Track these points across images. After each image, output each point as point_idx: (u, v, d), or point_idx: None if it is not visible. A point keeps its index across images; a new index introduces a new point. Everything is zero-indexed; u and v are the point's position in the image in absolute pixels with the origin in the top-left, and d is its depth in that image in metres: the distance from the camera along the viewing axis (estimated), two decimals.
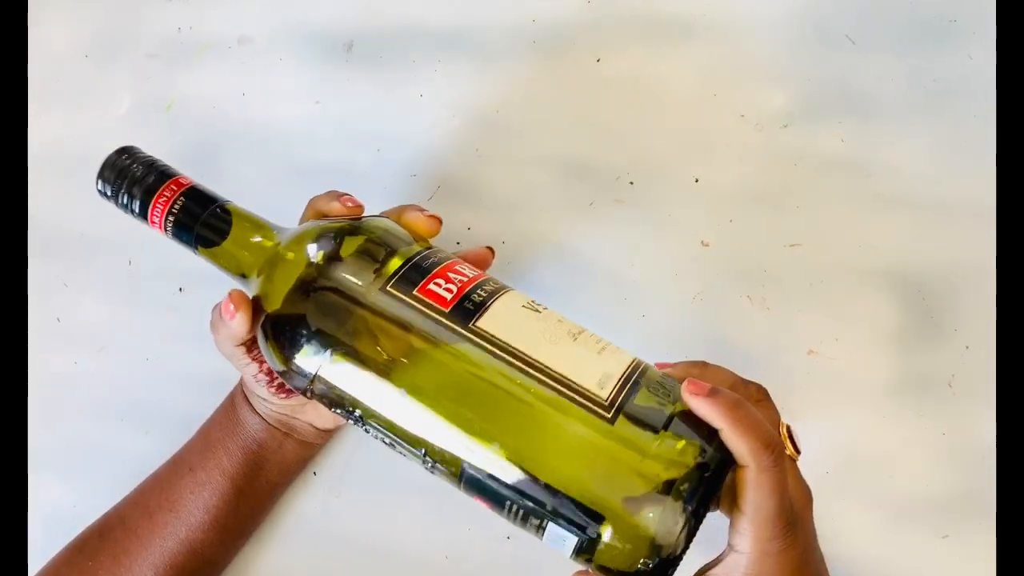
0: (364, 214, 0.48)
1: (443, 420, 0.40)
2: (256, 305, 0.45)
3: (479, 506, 0.41)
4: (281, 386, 0.49)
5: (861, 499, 0.55)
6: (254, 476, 0.53)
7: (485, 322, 0.41)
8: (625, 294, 0.57)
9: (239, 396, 0.53)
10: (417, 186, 0.60)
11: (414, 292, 0.41)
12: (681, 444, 0.38)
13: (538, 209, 0.59)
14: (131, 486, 0.57)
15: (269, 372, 0.48)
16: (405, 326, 0.41)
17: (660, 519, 0.37)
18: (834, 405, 0.55)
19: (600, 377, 0.40)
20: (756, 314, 0.56)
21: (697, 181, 0.57)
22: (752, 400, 0.43)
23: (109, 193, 0.47)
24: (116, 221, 0.62)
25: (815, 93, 0.57)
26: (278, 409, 0.52)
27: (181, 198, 0.46)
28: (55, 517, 0.62)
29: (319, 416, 0.53)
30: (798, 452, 0.43)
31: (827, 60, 0.57)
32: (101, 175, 0.46)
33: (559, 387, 0.39)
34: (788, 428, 0.43)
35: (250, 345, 0.47)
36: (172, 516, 0.52)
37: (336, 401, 0.42)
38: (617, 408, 0.39)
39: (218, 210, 0.46)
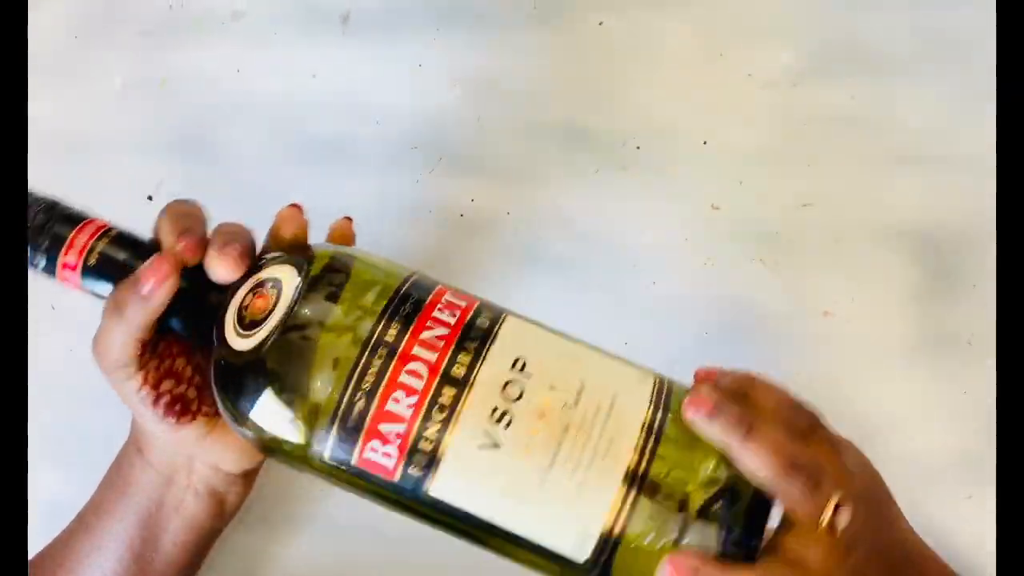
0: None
1: None
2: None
3: None
4: (170, 406, 0.41)
5: (882, 462, 0.53)
6: (154, 540, 0.45)
7: (437, 488, 0.34)
8: (634, 261, 0.56)
9: (129, 448, 0.46)
10: (418, 158, 0.59)
11: (352, 464, 0.34)
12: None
13: (543, 177, 0.58)
14: None
15: (155, 386, 0.41)
16: (356, 487, 0.36)
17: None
18: (852, 367, 0.54)
19: (577, 535, 0.34)
20: (769, 277, 0.55)
21: (705, 143, 0.56)
22: (796, 430, 0.36)
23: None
24: (111, 205, 0.61)
25: (823, 50, 0.56)
26: (174, 453, 0.43)
27: (101, 242, 0.38)
28: (54, 505, 0.60)
29: (226, 456, 0.43)
30: (832, 530, 0.35)
31: (835, 16, 0.56)
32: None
33: (533, 557, 0.35)
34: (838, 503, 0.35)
35: (141, 354, 0.40)
36: None
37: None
38: (603, 568, 0.34)
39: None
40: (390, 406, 0.34)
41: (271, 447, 0.36)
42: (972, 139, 0.54)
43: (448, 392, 0.34)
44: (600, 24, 0.58)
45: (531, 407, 0.34)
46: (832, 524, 0.34)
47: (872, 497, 0.39)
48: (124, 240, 0.39)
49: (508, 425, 0.33)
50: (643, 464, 0.33)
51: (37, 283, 0.62)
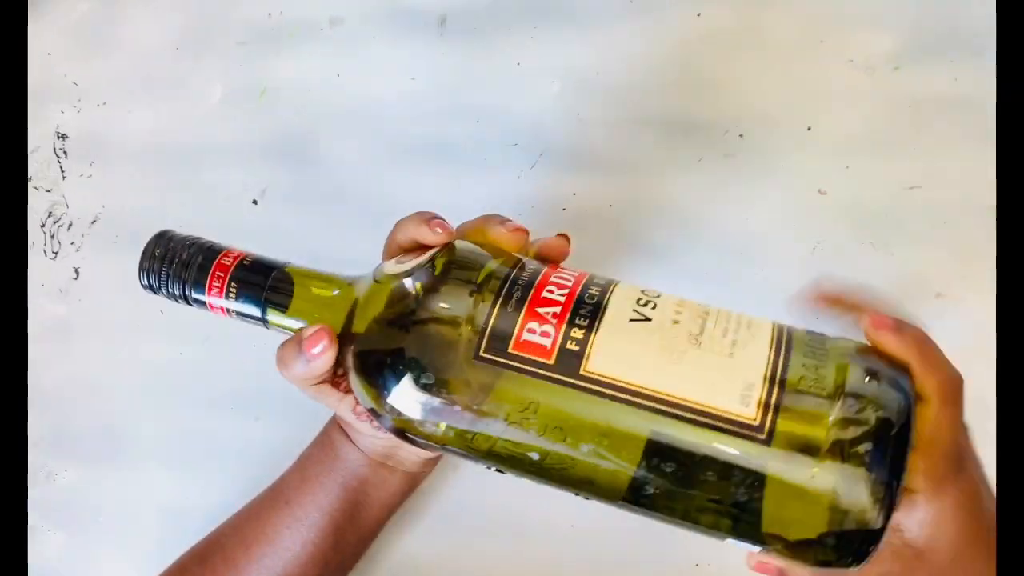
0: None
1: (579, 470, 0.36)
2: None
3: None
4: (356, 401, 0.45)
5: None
6: (355, 513, 0.50)
7: (595, 363, 0.35)
8: (741, 250, 0.56)
9: (335, 430, 0.50)
10: (519, 155, 0.60)
11: (509, 351, 0.36)
12: (860, 405, 0.34)
13: (644, 170, 0.58)
14: (243, 474, 0.57)
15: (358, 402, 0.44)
16: (511, 394, 0.36)
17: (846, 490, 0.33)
18: (968, 347, 0.53)
19: (741, 391, 0.34)
20: (880, 260, 0.55)
21: (809, 129, 0.56)
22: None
23: (156, 285, 0.43)
24: (218, 212, 0.63)
25: (924, 33, 0.56)
26: (383, 442, 0.48)
27: (239, 270, 0.42)
28: (169, 509, 0.62)
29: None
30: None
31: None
32: (141, 267, 0.42)
33: (699, 419, 0.34)
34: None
35: (335, 379, 0.44)
36: (269, 549, 0.49)
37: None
38: (770, 427, 0.33)
39: (281, 275, 0.42)
40: (548, 287, 0.37)
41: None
42: None
43: (588, 303, 0.36)
44: (698, 15, 0.58)
45: (669, 303, 0.36)
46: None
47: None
48: (259, 265, 0.42)
49: (654, 307, 0.36)
50: (783, 342, 0.35)
51: (144, 291, 0.64)
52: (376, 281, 0.40)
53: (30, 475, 0.64)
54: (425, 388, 0.36)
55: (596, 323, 0.36)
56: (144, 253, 0.42)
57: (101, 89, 0.67)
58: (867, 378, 0.34)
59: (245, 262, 0.42)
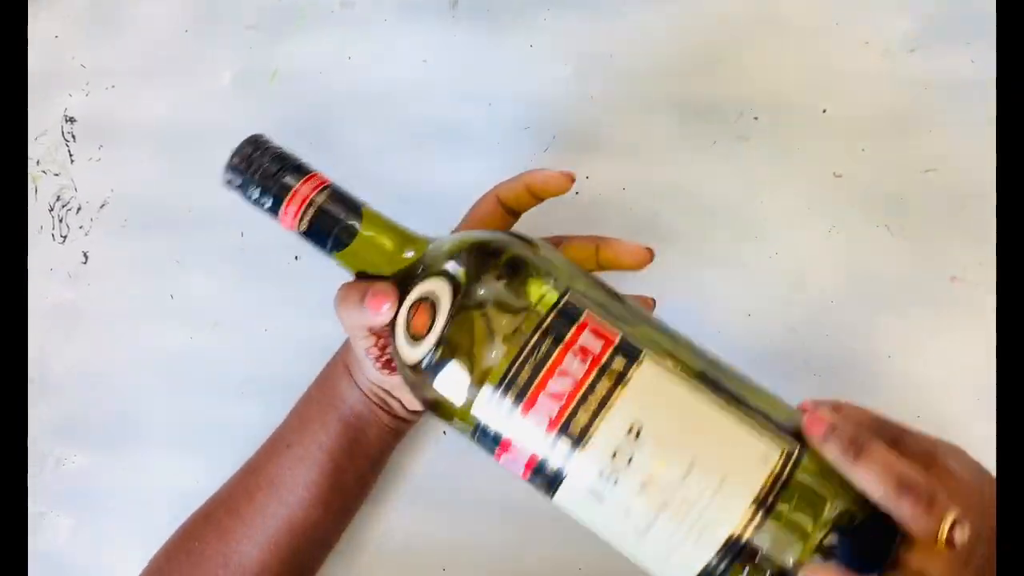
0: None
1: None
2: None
3: None
4: (387, 363, 0.48)
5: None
6: (353, 449, 0.52)
7: (559, 498, 0.38)
8: (756, 232, 0.56)
9: (339, 368, 0.52)
10: (531, 138, 0.59)
11: (519, 406, 0.37)
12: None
13: (659, 153, 0.58)
14: None
15: (381, 349, 0.47)
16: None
17: None
18: (981, 331, 0.54)
19: None
20: (895, 243, 0.55)
21: (825, 112, 0.56)
22: (907, 453, 0.37)
23: (239, 184, 0.43)
24: (226, 194, 0.62)
25: (940, 15, 0.56)
26: (378, 382, 0.50)
27: (320, 197, 0.42)
28: (178, 494, 0.61)
29: (412, 398, 0.51)
30: (951, 545, 0.35)
31: None
32: (231, 166, 0.42)
33: None
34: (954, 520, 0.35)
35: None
36: (273, 495, 0.51)
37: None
38: None
39: (357, 212, 0.43)
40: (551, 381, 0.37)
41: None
42: None
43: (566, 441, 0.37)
44: None
45: (637, 477, 0.36)
46: (951, 539, 0.34)
47: (986, 499, 0.39)
48: (339, 196, 0.43)
49: (615, 483, 0.36)
50: (745, 533, 0.35)
51: (153, 275, 0.63)
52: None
53: (39, 462, 0.64)
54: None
55: (575, 448, 0.37)
56: (237, 151, 0.42)
57: (110, 72, 0.67)
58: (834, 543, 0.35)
59: (326, 191, 0.42)
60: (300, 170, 0.42)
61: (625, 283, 0.44)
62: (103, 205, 0.65)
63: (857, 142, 0.55)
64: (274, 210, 0.42)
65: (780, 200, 0.56)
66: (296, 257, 0.61)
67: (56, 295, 0.65)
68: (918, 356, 0.53)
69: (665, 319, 0.41)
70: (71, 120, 0.67)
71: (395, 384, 0.50)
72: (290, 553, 0.51)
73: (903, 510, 0.34)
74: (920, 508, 0.34)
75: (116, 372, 0.64)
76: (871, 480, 0.35)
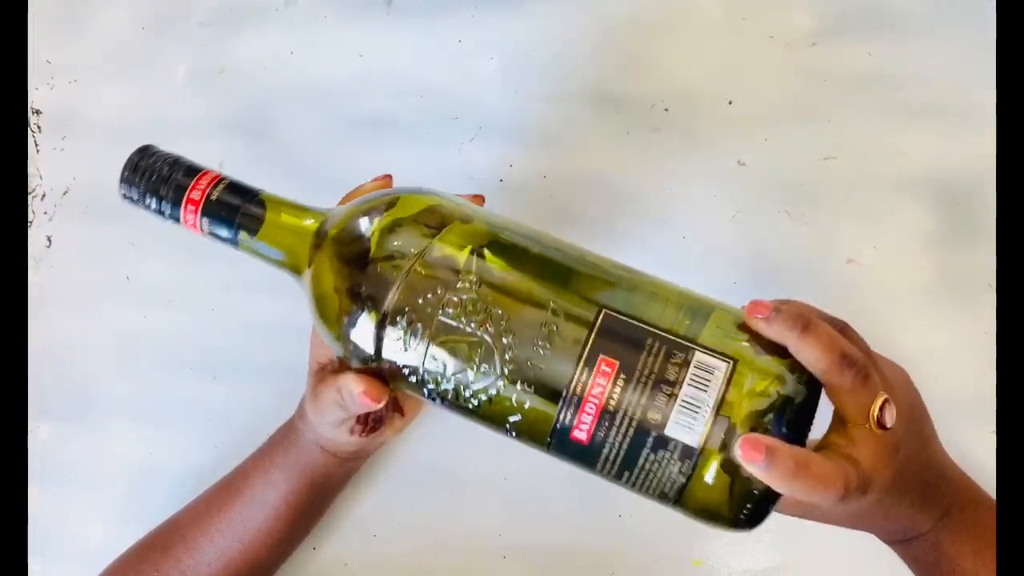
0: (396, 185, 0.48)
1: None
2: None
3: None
4: (364, 425, 0.49)
5: None
6: (312, 498, 0.54)
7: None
8: (666, 218, 0.59)
9: (297, 423, 0.53)
10: (459, 129, 0.63)
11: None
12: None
13: (577, 142, 0.61)
14: (207, 433, 0.61)
15: (362, 422, 0.49)
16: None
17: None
18: (876, 311, 0.56)
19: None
20: (795, 228, 0.58)
21: (731, 103, 0.59)
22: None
23: (136, 196, 0.43)
24: None
25: (841, 11, 0.58)
26: (332, 437, 0.51)
27: (216, 190, 0.43)
28: (136, 464, 0.65)
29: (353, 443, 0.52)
30: (880, 425, 0.36)
31: None
32: (124, 179, 0.43)
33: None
34: (885, 399, 0.36)
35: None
36: (230, 534, 0.53)
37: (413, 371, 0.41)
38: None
39: (256, 199, 0.44)
40: None
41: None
42: (985, 92, 0.56)
43: None
44: None
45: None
46: (881, 419, 0.35)
47: (915, 408, 0.41)
48: (235, 188, 0.44)
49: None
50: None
51: (110, 258, 0.68)
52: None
53: None
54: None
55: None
56: (126, 165, 0.43)
57: (73, 68, 0.71)
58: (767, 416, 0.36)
59: (222, 184, 0.43)
60: (192, 170, 0.43)
61: None
62: (66, 192, 0.70)
63: (761, 131, 0.58)
64: (175, 215, 0.43)
65: (688, 187, 0.59)
66: None
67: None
68: None
69: None
70: (37, 112, 0.71)
71: (348, 439, 0.50)
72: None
73: (844, 381, 0.35)
74: (858, 381, 0.35)
75: (78, 349, 0.68)
76: (816, 351, 0.35)
